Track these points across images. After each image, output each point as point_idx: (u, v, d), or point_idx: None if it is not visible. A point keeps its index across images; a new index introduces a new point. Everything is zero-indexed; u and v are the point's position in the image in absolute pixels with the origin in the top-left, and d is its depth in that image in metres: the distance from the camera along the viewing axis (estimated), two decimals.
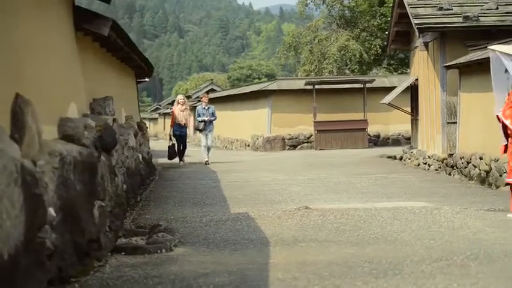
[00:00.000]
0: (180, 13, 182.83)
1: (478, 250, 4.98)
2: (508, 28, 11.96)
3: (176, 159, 16.00)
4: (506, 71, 6.91)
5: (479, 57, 10.41)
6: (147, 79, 16.18)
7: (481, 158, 10.71)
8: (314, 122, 22.34)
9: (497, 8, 12.61)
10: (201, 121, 16.40)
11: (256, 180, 11.78)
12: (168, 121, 17.03)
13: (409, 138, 19.17)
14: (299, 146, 23.53)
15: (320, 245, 5.46)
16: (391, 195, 9.10)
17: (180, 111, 16.05)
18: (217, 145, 28.24)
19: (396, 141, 23.79)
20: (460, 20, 12.39)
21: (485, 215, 6.93)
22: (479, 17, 12.34)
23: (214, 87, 41.56)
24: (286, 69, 77.99)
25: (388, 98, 16.75)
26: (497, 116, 7.12)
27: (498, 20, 12.42)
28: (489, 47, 7.27)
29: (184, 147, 16.21)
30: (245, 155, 20.94)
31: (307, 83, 22.70)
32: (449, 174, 12.29)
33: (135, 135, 10.54)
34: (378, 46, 31.99)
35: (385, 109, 19.50)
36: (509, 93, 6.91)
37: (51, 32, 5.44)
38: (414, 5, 13.20)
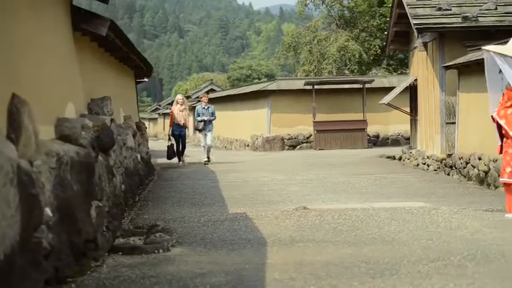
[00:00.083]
0: (180, 13, 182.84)
1: (475, 250, 4.99)
2: (507, 28, 11.95)
3: (175, 159, 16.00)
4: (500, 71, 6.92)
5: (478, 58, 10.40)
6: (146, 79, 16.18)
7: (479, 159, 10.71)
8: (313, 122, 22.35)
9: (496, 9, 12.61)
10: (201, 121, 16.39)
11: (255, 180, 11.78)
12: (168, 121, 17.07)
13: (408, 139, 19.17)
14: (298, 146, 23.53)
15: (317, 245, 5.46)
16: (390, 196, 9.10)
17: (179, 111, 16.05)
18: (217, 145, 28.24)
19: (396, 142, 23.79)
20: (459, 20, 12.39)
21: (483, 215, 6.93)
22: (478, 17, 12.34)
23: (214, 87, 41.57)
24: (286, 69, 78.02)
25: (387, 98, 16.76)
26: (492, 117, 7.13)
27: (497, 21, 12.41)
28: (483, 48, 7.26)
29: (184, 147, 16.21)
30: (244, 155, 20.95)
31: (306, 83, 22.71)
32: (448, 174, 12.30)
33: (134, 135, 10.54)
34: (377, 46, 31.99)
35: (384, 109, 19.51)
36: (503, 94, 6.92)
37: (49, 32, 5.44)
38: (413, 5, 13.20)
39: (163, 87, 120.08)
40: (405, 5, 13.35)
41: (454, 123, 12.46)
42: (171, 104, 42.53)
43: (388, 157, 17.12)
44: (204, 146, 16.69)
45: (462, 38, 12.37)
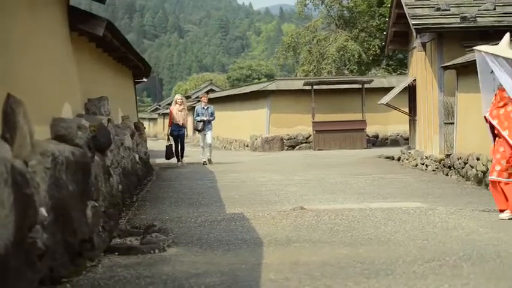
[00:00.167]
0: (180, 13, 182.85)
1: (471, 251, 4.99)
2: (506, 29, 11.93)
3: (174, 159, 16.00)
4: (492, 71, 6.92)
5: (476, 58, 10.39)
6: (145, 79, 16.16)
7: (478, 159, 10.71)
8: (312, 122, 22.34)
9: (494, 9, 12.60)
10: (200, 121, 16.38)
11: (253, 180, 11.78)
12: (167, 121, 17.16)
13: (407, 139, 19.16)
14: (297, 147, 23.53)
15: (313, 245, 5.46)
16: (387, 196, 9.10)
17: (178, 111, 16.06)
18: (216, 145, 28.23)
19: (395, 142, 23.79)
20: (458, 20, 12.38)
21: (480, 216, 6.94)
22: (477, 18, 12.34)
23: (214, 88, 41.59)
24: (285, 70, 78.04)
25: (386, 98, 16.76)
26: (484, 117, 7.13)
27: (495, 21, 12.40)
28: (475, 48, 7.26)
29: (182, 147, 16.19)
30: (243, 155, 20.95)
31: (305, 84, 22.71)
32: (447, 174, 12.30)
33: (132, 136, 10.53)
34: (376, 46, 31.98)
35: (383, 109, 19.50)
36: (495, 94, 6.93)
37: (45, 32, 5.44)
38: (412, 5, 13.19)
39: (163, 87, 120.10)
40: (404, 5, 13.34)
41: (452, 123, 12.46)
42: (170, 104, 42.55)
43: (387, 157, 17.12)
44: (202, 147, 16.68)
45: (461, 39, 12.37)
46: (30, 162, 3.99)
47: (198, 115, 16.52)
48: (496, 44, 7.35)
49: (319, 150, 21.88)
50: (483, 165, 10.42)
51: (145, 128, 15.98)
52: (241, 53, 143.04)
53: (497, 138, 6.90)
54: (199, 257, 5.07)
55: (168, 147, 15.92)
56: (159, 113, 54.54)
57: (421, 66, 14.41)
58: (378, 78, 25.16)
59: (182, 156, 16.12)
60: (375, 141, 24.03)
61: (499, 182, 6.74)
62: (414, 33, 12.94)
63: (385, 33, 19.45)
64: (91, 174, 5.33)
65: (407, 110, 16.71)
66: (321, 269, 4.50)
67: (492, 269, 4.45)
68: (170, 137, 16.16)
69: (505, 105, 6.73)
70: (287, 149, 23.23)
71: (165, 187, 10.91)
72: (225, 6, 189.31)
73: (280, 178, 12.07)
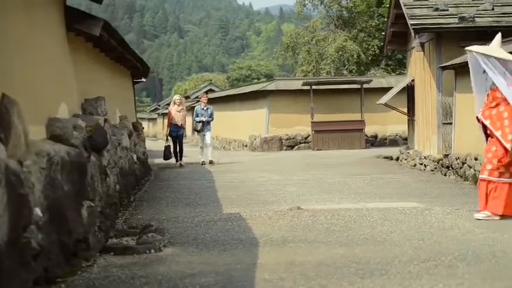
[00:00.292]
0: (180, 13, 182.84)
1: (466, 251, 5.00)
2: (504, 29, 11.94)
3: (172, 160, 15.99)
4: (484, 71, 6.93)
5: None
6: (143, 79, 16.15)
7: (476, 159, 10.71)
8: (311, 122, 22.35)
9: (493, 9, 12.60)
10: (199, 121, 16.37)
11: (251, 180, 11.78)
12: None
13: (406, 139, 19.15)
14: (296, 147, 23.54)
15: (309, 245, 5.46)
16: (385, 196, 9.10)
17: (176, 111, 16.05)
18: (215, 145, 28.20)
19: (394, 142, 23.79)
20: (456, 20, 12.38)
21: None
22: (475, 18, 12.34)
23: (213, 88, 41.59)
24: (285, 70, 77.99)
25: (385, 98, 16.76)
26: (476, 117, 7.14)
27: (494, 21, 12.39)
28: (466, 48, 7.26)
29: (181, 148, 16.17)
30: (242, 155, 20.95)
31: (304, 84, 22.72)
32: (445, 174, 12.30)
33: (130, 136, 10.53)
34: (375, 47, 31.98)
35: (382, 110, 19.50)
36: (487, 94, 6.93)
37: (41, 32, 5.44)
38: (410, 5, 13.19)
39: (163, 87, 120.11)
40: (402, 6, 13.34)
41: (450, 123, 12.46)
42: (170, 104, 42.54)
43: (386, 157, 17.12)
44: (201, 147, 16.69)
45: (459, 39, 12.35)
46: (25, 162, 3.99)
47: (197, 116, 16.50)
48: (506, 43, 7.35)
49: (318, 150, 21.88)
50: (481, 165, 10.40)
51: (143, 128, 15.97)
52: (241, 53, 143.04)
53: (489, 138, 6.91)
54: (194, 257, 5.07)
55: (167, 147, 15.91)
56: (158, 113, 54.52)
57: (419, 66, 14.41)
58: (377, 79, 25.16)
59: (181, 156, 16.11)
60: (374, 141, 24.03)
61: (489, 182, 6.73)
62: (412, 34, 12.94)
63: (383, 33, 19.46)
64: (87, 174, 5.33)
65: (405, 110, 16.71)
66: (316, 269, 4.50)
67: (487, 269, 4.45)
68: (169, 138, 16.15)
69: (497, 105, 6.74)
70: (286, 149, 23.24)
71: (163, 187, 10.91)
72: (225, 7, 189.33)
73: (278, 178, 12.08)
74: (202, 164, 16.11)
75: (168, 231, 6.20)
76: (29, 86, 4.76)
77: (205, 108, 16.54)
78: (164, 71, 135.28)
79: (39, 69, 5.21)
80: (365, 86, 22.71)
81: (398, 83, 19.03)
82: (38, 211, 4.03)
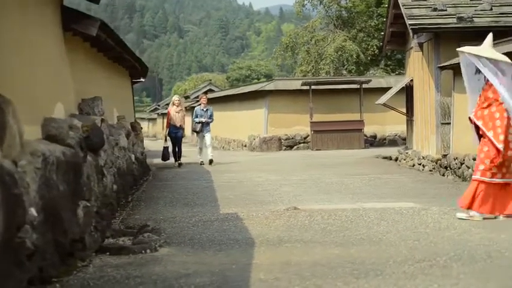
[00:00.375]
0: (180, 13, 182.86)
1: (462, 251, 5.00)
2: (502, 29, 11.95)
3: (171, 160, 15.99)
4: (476, 72, 6.94)
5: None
6: (142, 79, 16.15)
7: (474, 159, 10.68)
8: (310, 122, 22.35)
9: (491, 9, 12.60)
10: (198, 122, 16.34)
11: (249, 180, 11.78)
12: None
13: (405, 139, 19.16)
14: (295, 147, 23.54)
15: (305, 245, 5.46)
16: (382, 196, 9.10)
17: (175, 112, 16.04)
18: (215, 145, 28.17)
19: (393, 142, 23.79)
20: (454, 20, 12.38)
21: None
22: (474, 18, 12.34)
23: (213, 88, 41.55)
24: (284, 70, 78.02)
25: (383, 98, 16.76)
26: (469, 118, 7.14)
27: (492, 21, 12.39)
28: (458, 49, 7.27)
29: (180, 149, 16.14)
30: (241, 156, 20.96)
31: (303, 84, 22.72)
32: (443, 175, 12.30)
33: (127, 136, 10.53)
34: (375, 47, 31.98)
35: (381, 110, 19.50)
36: (480, 95, 6.94)
37: (37, 32, 5.44)
38: (409, 5, 13.20)
39: (163, 87, 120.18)
40: (401, 6, 13.35)
41: (449, 123, 12.45)
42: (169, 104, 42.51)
43: (384, 157, 17.12)
44: (200, 148, 16.68)
45: (457, 39, 12.34)
46: (19, 162, 3.99)
47: (196, 116, 16.47)
48: (499, 44, 7.36)
49: (317, 150, 21.89)
50: None
51: (142, 128, 15.97)
52: (241, 53, 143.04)
53: (482, 139, 6.92)
54: (190, 257, 5.07)
55: (165, 148, 15.91)
56: (158, 113, 54.55)
57: (418, 66, 14.42)
58: (376, 79, 25.16)
59: (180, 157, 16.10)
60: (373, 142, 24.04)
61: (480, 182, 6.73)
62: (411, 34, 12.94)
63: (382, 33, 19.47)
64: (83, 174, 5.33)
65: (404, 110, 16.71)
66: (312, 269, 4.50)
67: (482, 269, 4.45)
68: (168, 138, 16.14)
69: (489, 105, 6.75)
70: (285, 149, 23.24)
71: (161, 187, 10.91)
72: (225, 7, 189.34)
73: (276, 178, 12.08)
74: (201, 164, 16.11)
75: (164, 231, 6.20)
76: (24, 86, 4.76)
77: (205, 109, 16.51)
78: (164, 71, 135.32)
79: (35, 69, 5.21)
80: (364, 86, 22.72)
81: (397, 83, 19.03)
82: (33, 211, 4.03)
